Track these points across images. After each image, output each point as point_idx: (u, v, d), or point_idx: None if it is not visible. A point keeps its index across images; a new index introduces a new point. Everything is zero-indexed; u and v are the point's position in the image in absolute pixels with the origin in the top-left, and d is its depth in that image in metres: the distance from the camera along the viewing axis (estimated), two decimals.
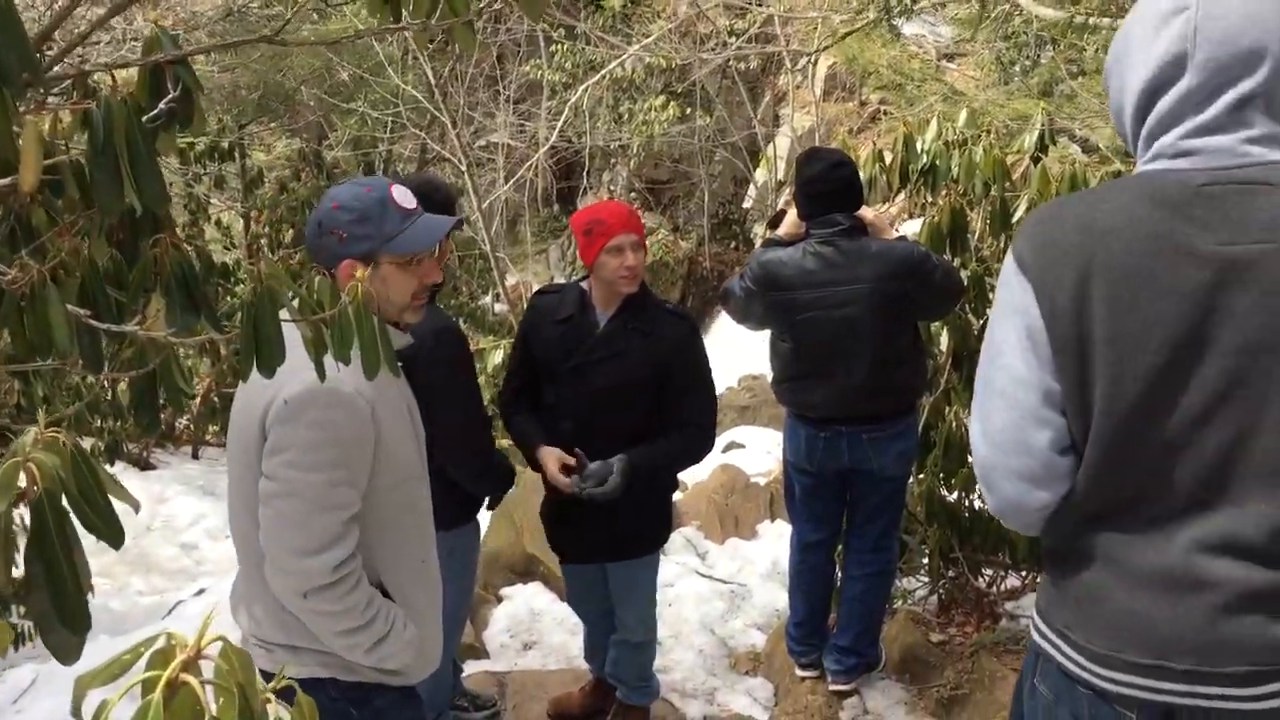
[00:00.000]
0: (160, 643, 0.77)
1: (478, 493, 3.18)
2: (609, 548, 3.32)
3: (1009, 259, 1.64)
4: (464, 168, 9.95)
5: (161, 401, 2.13)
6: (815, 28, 10.45)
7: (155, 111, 1.81)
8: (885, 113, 13.60)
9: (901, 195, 5.13)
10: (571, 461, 3.12)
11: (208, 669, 0.78)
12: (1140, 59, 1.57)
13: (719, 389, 11.28)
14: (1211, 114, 1.51)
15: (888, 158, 5.18)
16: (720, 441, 10.10)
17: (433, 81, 10.11)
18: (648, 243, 16.27)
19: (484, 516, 5.66)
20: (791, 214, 3.68)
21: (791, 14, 11.14)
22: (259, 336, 1.72)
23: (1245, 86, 1.49)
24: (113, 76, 1.83)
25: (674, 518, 5.58)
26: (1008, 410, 1.64)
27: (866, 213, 3.60)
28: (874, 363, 3.44)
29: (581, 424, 3.21)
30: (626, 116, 16.78)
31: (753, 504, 5.54)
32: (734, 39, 15.06)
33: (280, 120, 11.68)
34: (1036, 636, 1.75)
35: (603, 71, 15.06)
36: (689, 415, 3.24)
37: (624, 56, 15.37)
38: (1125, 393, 1.52)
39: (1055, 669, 1.70)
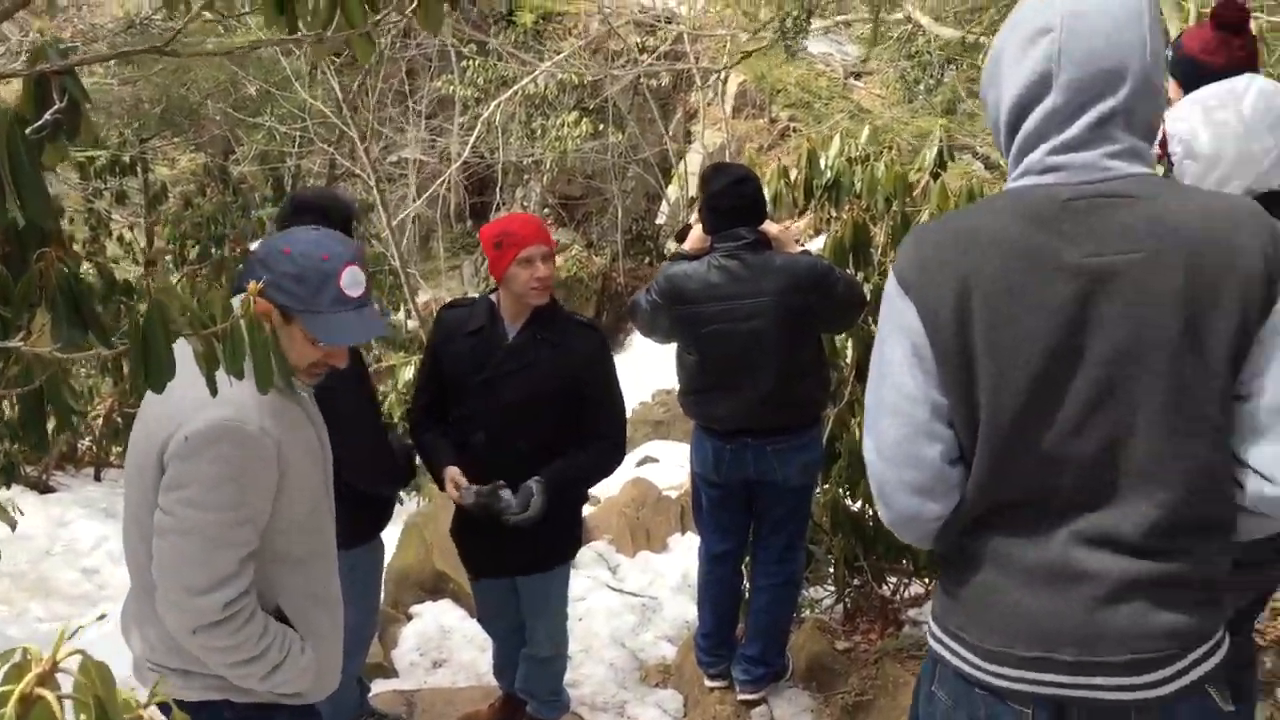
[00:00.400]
0: (16, 657, 0.76)
1: (390, 494, 3.20)
2: (521, 561, 3.32)
3: (891, 277, 1.68)
4: (373, 183, 9.83)
5: (51, 421, 2.09)
6: (724, 45, 10.57)
7: (40, 123, 1.78)
8: (794, 129, 13.78)
9: (808, 210, 5.22)
10: (463, 483, 3.13)
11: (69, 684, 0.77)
12: (1010, 77, 1.62)
13: (633, 404, 11.34)
14: (1075, 131, 1.56)
15: (793, 174, 5.26)
16: (634, 456, 10.10)
17: (340, 97, 10.00)
18: (561, 259, 16.20)
19: (393, 534, 5.63)
20: (697, 229, 3.72)
21: (700, 32, 11.25)
22: (149, 353, 1.70)
23: (1107, 105, 1.55)
24: None
25: (585, 532, 5.60)
26: (898, 426, 1.67)
27: (771, 227, 3.65)
28: (778, 375, 3.49)
29: (492, 437, 3.21)
30: (539, 132, 16.79)
31: (664, 517, 5.56)
32: (645, 56, 15.18)
33: (185, 134, 11.44)
34: (933, 642, 1.78)
35: (515, 88, 15.05)
36: (601, 429, 3.26)
37: (536, 73, 15.39)
38: (1006, 404, 1.57)
39: (952, 673, 1.73)
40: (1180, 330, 1.49)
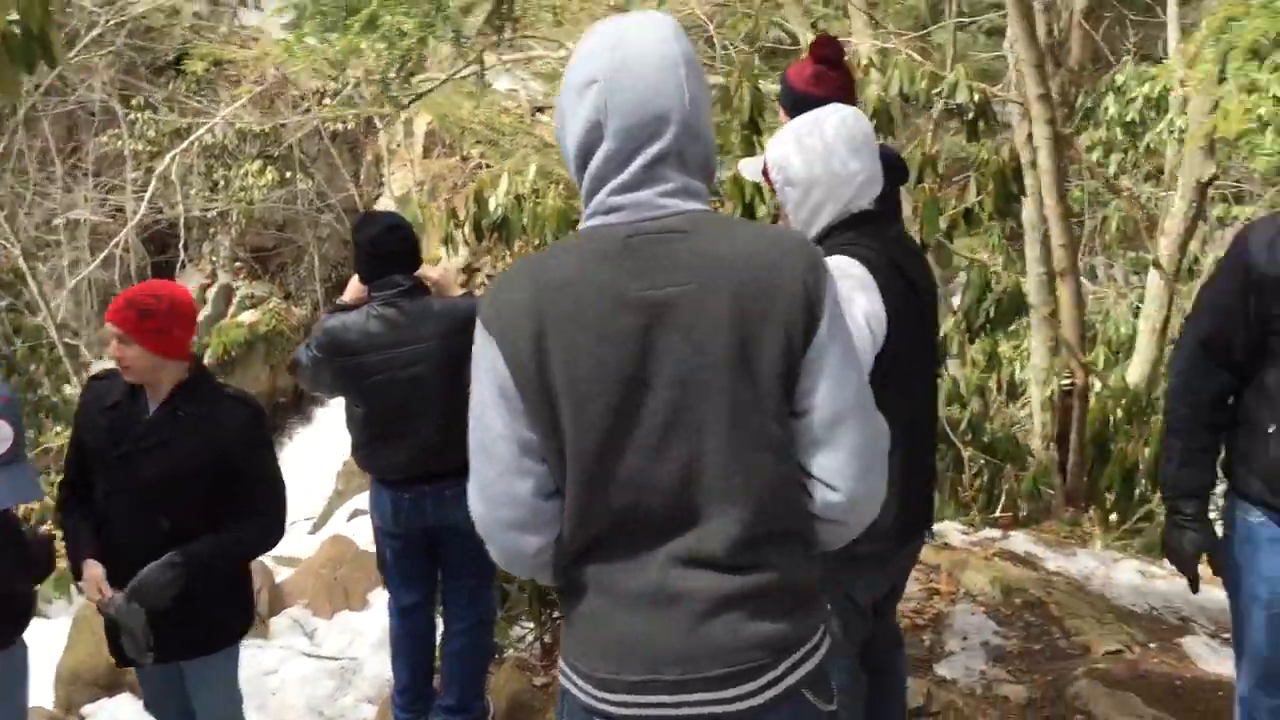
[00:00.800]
0: None
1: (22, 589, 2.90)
2: (179, 644, 3.11)
3: (477, 322, 1.70)
4: (18, 252, 9.10)
5: None
6: (407, 102, 10.49)
7: None
8: (486, 166, 13.85)
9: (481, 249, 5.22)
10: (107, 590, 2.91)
11: None
12: (571, 125, 1.68)
13: (345, 456, 10.98)
14: (630, 173, 1.63)
15: (462, 214, 5.27)
16: (345, 509, 9.81)
17: None
18: (258, 313, 15.40)
19: (62, 628, 5.18)
20: (354, 279, 3.65)
21: (371, 76, 11.09)
22: None
23: (655, 148, 1.62)
24: None
25: (279, 598, 5.36)
26: (491, 465, 1.69)
27: (432, 271, 3.62)
28: (443, 420, 3.45)
29: (133, 515, 3.00)
30: (223, 184, 16.13)
31: (363, 573, 5.39)
32: (327, 100, 14.85)
33: None
34: (560, 675, 1.80)
35: (190, 139, 14.38)
36: (258, 505, 3.10)
37: (212, 122, 14.77)
38: (588, 435, 1.61)
39: (577, 705, 1.75)
40: (732, 354, 1.57)
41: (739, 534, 1.60)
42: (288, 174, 15.96)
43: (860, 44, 4.92)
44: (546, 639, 4.30)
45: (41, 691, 4.59)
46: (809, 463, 1.64)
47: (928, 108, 4.63)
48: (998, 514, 5.06)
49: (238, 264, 16.92)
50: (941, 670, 3.67)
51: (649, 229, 1.61)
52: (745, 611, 1.61)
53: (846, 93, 2.94)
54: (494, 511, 1.70)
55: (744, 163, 2.68)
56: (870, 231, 2.42)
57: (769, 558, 1.62)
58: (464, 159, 14.97)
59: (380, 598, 5.29)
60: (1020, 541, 4.72)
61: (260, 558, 3.65)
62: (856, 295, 2.29)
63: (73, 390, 9.58)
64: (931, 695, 3.44)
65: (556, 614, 4.25)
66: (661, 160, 1.62)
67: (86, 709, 4.36)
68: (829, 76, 2.95)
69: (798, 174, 2.42)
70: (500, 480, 1.68)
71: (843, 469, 1.62)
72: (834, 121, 2.45)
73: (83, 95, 13.79)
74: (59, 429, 8.27)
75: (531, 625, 4.34)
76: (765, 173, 2.52)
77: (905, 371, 2.40)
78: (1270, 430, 2.43)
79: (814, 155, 2.40)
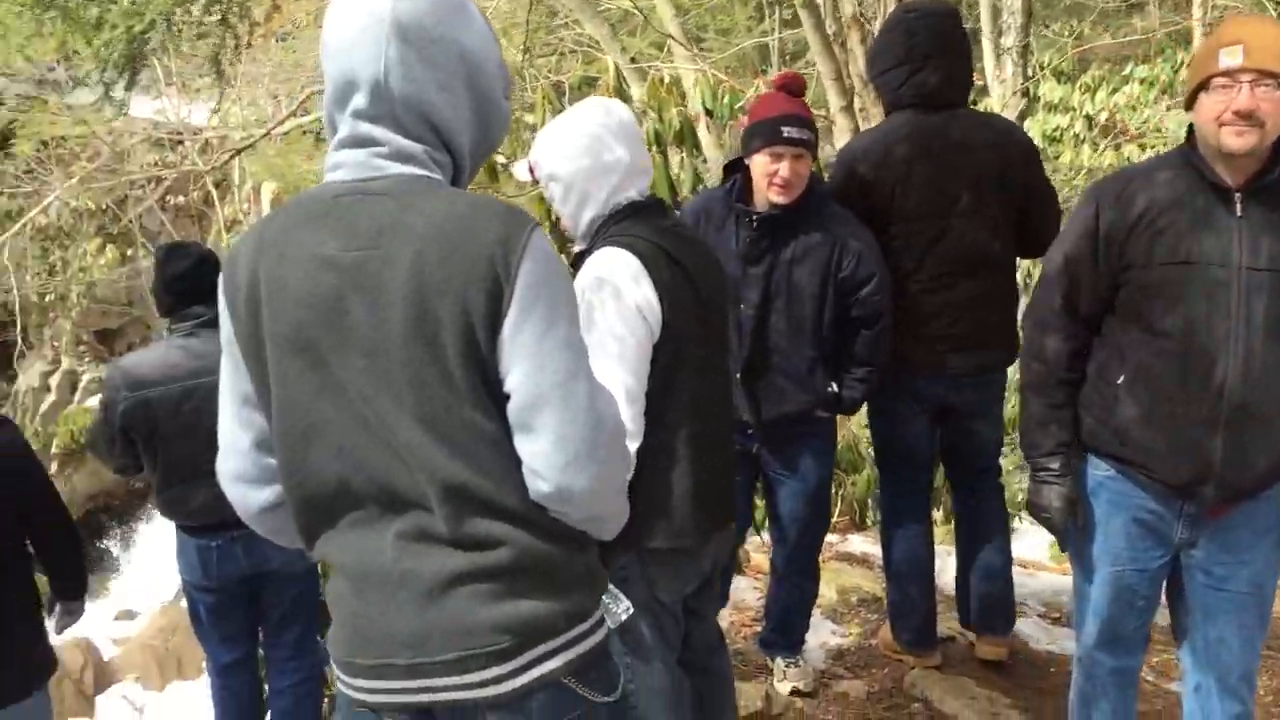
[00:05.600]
0: None
1: None
2: None
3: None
4: None
5: None
6: (226, 157, 10.27)
7: None
8: None
9: None
10: None
11: None
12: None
13: None
14: (344, 132, 1.61)
15: None
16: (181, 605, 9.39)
17: None
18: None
19: None
20: None
21: (200, 135, 10.88)
22: None
23: (349, 109, 1.59)
24: None
25: (108, 674, 5.08)
26: (222, 415, 1.73)
27: None
28: None
29: None
30: (60, 266, 15.55)
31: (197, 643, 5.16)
32: (168, 171, 14.46)
33: None
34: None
35: (22, 221, 13.85)
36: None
37: (45, 202, 14.25)
38: (289, 394, 1.58)
39: (342, 698, 1.70)
40: (411, 328, 1.51)
41: (454, 510, 1.54)
42: (129, 251, 15.47)
43: (666, 67, 4.99)
44: None
45: None
46: (518, 448, 1.56)
47: (733, 120, 4.71)
48: (834, 518, 5.10)
49: (81, 347, 16.28)
50: None
51: (358, 189, 1.57)
52: (481, 590, 1.55)
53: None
54: (224, 462, 1.74)
55: (515, 165, 2.65)
56: (642, 221, 2.40)
57: (499, 534, 1.55)
58: None
59: None
60: (857, 543, 4.76)
61: (88, 635, 3.49)
62: (627, 285, 2.27)
63: None
64: (771, 698, 3.42)
65: None
66: (362, 121, 1.58)
67: None
68: (795, 104, 3.08)
69: (559, 168, 2.40)
70: (226, 431, 1.72)
71: (547, 456, 1.54)
72: (597, 112, 2.44)
73: None
74: None
75: None
76: (531, 169, 2.49)
77: (689, 361, 2.38)
78: (1119, 382, 2.48)
79: (575, 147, 2.38)
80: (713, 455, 2.51)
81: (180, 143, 13.34)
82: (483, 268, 1.50)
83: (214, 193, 12.47)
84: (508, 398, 1.54)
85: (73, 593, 3.22)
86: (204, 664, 5.08)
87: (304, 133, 12.73)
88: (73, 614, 3.27)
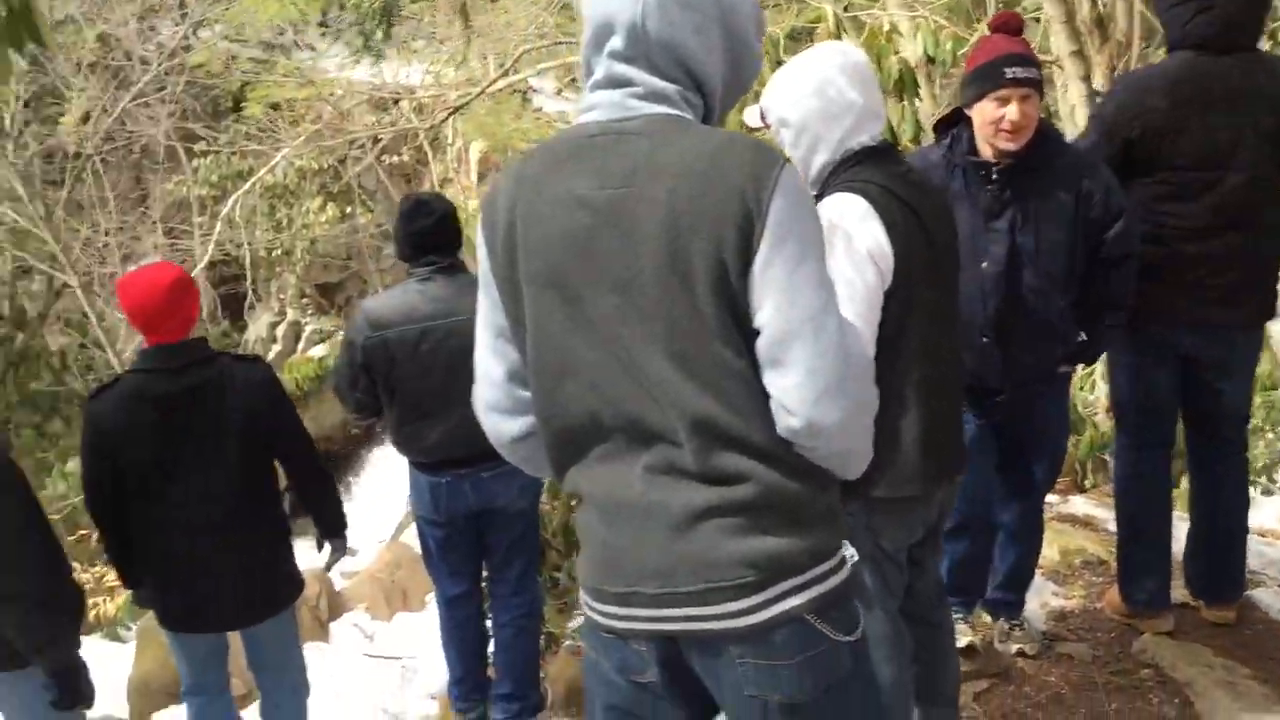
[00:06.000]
0: None
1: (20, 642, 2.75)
2: None
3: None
4: (76, 286, 9.35)
5: None
6: (444, 115, 10.63)
7: None
8: None
9: None
10: None
11: None
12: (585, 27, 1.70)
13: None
14: (601, 73, 1.64)
15: None
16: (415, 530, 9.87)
17: (34, 214, 9.46)
18: (326, 347, 15.56)
19: (131, 644, 5.29)
20: None
21: (415, 96, 11.28)
22: None
23: (606, 50, 1.63)
24: None
25: (341, 603, 5.41)
26: (477, 346, 1.79)
27: None
28: None
29: None
30: (285, 222, 16.43)
31: (421, 577, 5.39)
32: (382, 134, 15.06)
33: None
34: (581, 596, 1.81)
35: (252, 180, 14.68)
36: None
37: (273, 163, 15.06)
38: (542, 330, 1.63)
39: (590, 624, 1.77)
40: (665, 265, 1.53)
41: (701, 444, 1.56)
42: (348, 209, 16.22)
43: (885, 14, 4.85)
44: None
45: (116, 703, 4.69)
46: (767, 384, 1.57)
47: (954, 69, 4.56)
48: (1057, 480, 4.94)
49: (304, 300, 17.21)
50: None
51: (613, 129, 1.61)
52: (727, 525, 1.57)
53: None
54: (478, 391, 1.80)
55: (746, 111, 2.64)
56: (874, 166, 2.37)
57: (745, 470, 1.57)
58: None
59: None
60: (1079, 505, 4.59)
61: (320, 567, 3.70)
62: (858, 230, 2.24)
63: None
64: (989, 658, 3.35)
65: None
66: (618, 62, 1.62)
67: (156, 716, 4.44)
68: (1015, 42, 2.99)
69: (790, 112, 2.38)
70: (482, 362, 1.78)
71: (797, 391, 1.54)
72: (831, 54, 2.41)
73: (147, 139, 14.08)
74: None
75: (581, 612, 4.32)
76: (763, 116, 2.48)
77: (920, 306, 2.34)
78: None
79: (807, 89, 2.35)
80: (942, 402, 2.47)
81: (398, 103, 13.84)
82: (735, 204, 1.51)
83: (428, 150, 12.89)
84: (757, 334, 1.55)
85: (335, 530, 3.40)
86: (427, 598, 5.37)
87: (513, 92, 13.04)
88: (338, 550, 3.46)
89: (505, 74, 8.01)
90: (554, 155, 1.65)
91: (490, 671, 3.94)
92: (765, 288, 1.52)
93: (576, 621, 4.40)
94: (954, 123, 3.10)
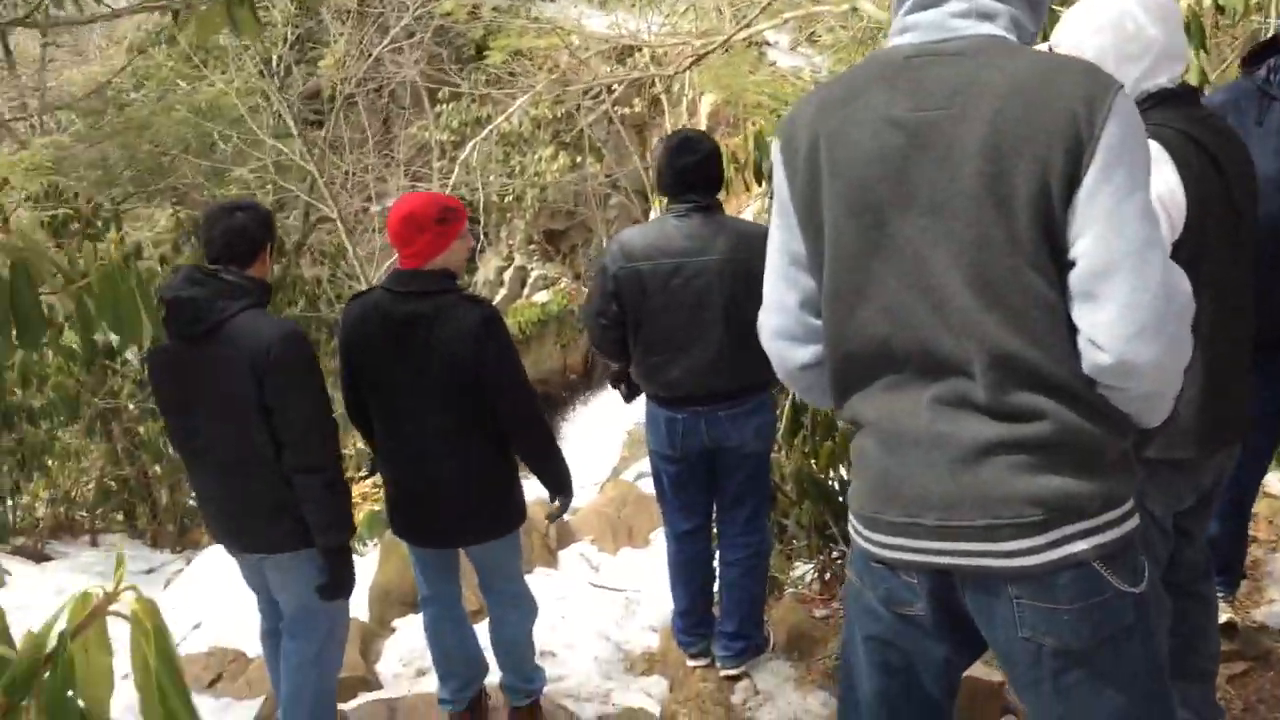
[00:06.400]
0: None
1: (318, 517, 3.00)
2: None
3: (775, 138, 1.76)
4: (341, 226, 9.93)
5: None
6: (686, 64, 10.68)
7: None
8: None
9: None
10: None
11: None
12: None
13: (628, 425, 11.31)
14: None
15: (741, 158, 5.29)
16: (630, 473, 10.13)
17: (304, 148, 10.10)
18: (550, 293, 16.01)
19: (374, 556, 5.61)
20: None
21: (658, 43, 11.35)
22: (18, 315, 1.70)
23: None
24: None
25: (568, 533, 5.57)
26: (769, 274, 1.79)
27: None
28: (726, 336, 3.44)
29: None
30: (518, 170, 16.92)
31: (646, 515, 5.54)
32: (615, 86, 15.29)
33: (159, 194, 11.44)
34: (849, 526, 1.80)
35: (490, 127, 15.17)
36: None
37: (510, 111, 15.51)
38: (842, 253, 1.62)
39: (858, 551, 1.76)
40: (983, 186, 1.49)
41: (997, 378, 1.52)
42: (578, 158, 16.55)
43: None
44: (826, 575, 4.26)
45: (358, 608, 4.99)
46: (1077, 318, 1.50)
47: (1244, 19, 4.24)
48: None
49: (531, 246, 17.70)
50: (1259, 616, 3.37)
51: (930, 49, 1.57)
52: (1015, 461, 1.53)
53: None
54: (768, 318, 1.80)
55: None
56: (1172, 109, 2.23)
57: (1040, 407, 1.52)
58: (746, 138, 14.99)
59: (661, 539, 5.41)
60: None
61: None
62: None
63: None
64: (1248, 641, 3.17)
65: (836, 551, 4.21)
66: None
67: (396, 623, 4.71)
68: None
69: (1083, 47, 2.26)
70: (774, 289, 1.78)
71: (1111, 326, 1.46)
72: None
73: (395, 84, 14.73)
74: None
75: (810, 563, 4.31)
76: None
77: (1211, 260, 2.21)
78: None
79: (1102, 21, 2.23)
80: (1226, 362, 2.33)
81: (634, 53, 13.98)
82: (1064, 125, 1.45)
83: (665, 100, 12.99)
84: (1071, 264, 1.49)
85: (556, 487, 3.43)
86: (651, 535, 5.47)
87: (749, 45, 12.95)
88: (561, 507, 3.50)
89: (750, 24, 7.95)
90: (862, 79, 1.63)
91: (715, 609, 3.99)
92: (1089, 216, 1.46)
93: (800, 570, 4.40)
94: (1266, 54, 2.89)
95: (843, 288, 1.63)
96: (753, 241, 3.42)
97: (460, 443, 3.20)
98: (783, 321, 1.77)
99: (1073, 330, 1.52)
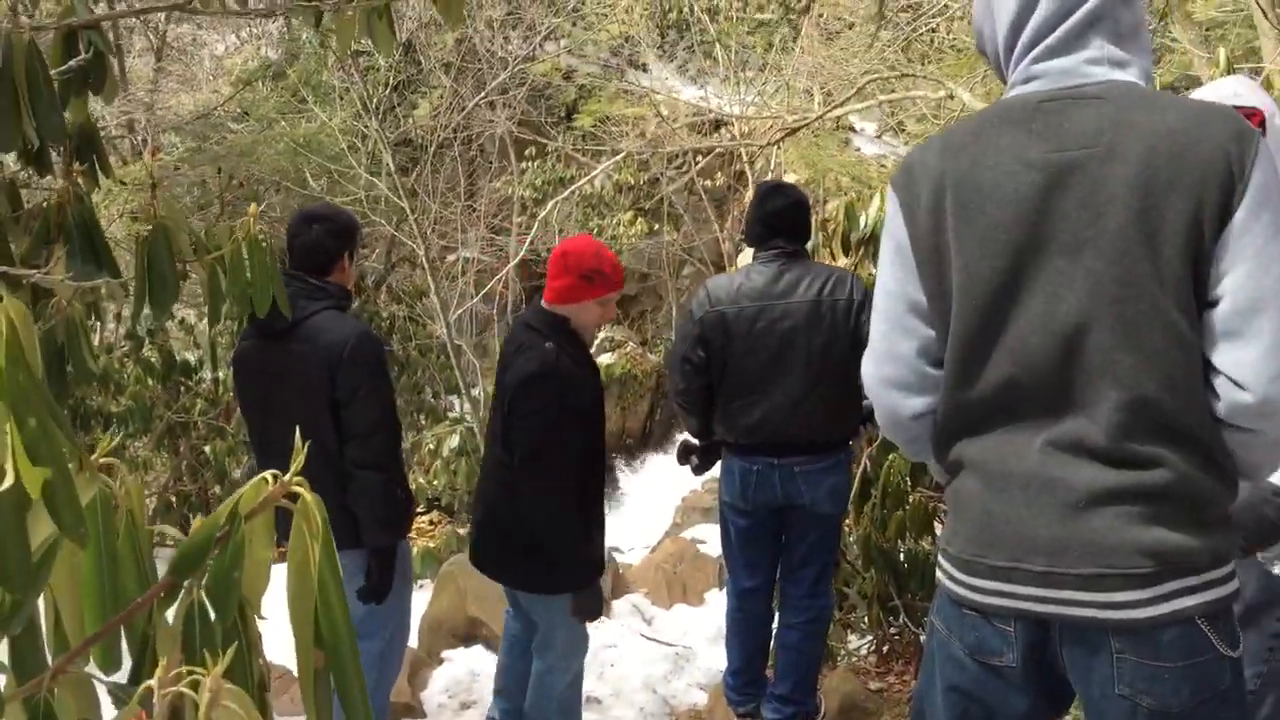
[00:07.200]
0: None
1: (372, 514, 3.04)
2: None
3: (888, 187, 1.75)
4: (426, 265, 10.10)
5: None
6: (776, 137, 10.82)
7: (65, 67, 1.89)
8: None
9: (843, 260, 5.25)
10: None
11: None
12: (1002, 5, 1.69)
13: (684, 492, 11.27)
14: (1057, 36, 1.63)
15: (830, 228, 5.32)
16: (685, 536, 10.10)
17: (398, 185, 10.34)
18: (615, 356, 16.13)
19: (428, 590, 5.61)
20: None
21: (747, 116, 11.49)
22: (152, 274, 1.76)
23: (1087, 7, 1.61)
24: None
25: (622, 584, 5.54)
26: (881, 323, 1.75)
27: None
28: (807, 382, 3.47)
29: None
30: (595, 231, 17.11)
31: (702, 574, 5.50)
32: (700, 158, 15.49)
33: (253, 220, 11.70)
34: (937, 570, 1.78)
35: (573, 187, 15.40)
36: None
37: (594, 174, 15.76)
38: (974, 298, 1.60)
39: (946, 598, 1.73)
40: (1132, 224, 1.49)
41: (1123, 421, 1.51)
42: (656, 225, 16.71)
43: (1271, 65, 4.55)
44: (884, 648, 4.19)
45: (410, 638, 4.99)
46: (1217, 356, 1.49)
47: None
48: None
49: None
50: None
51: (1065, 94, 1.59)
52: (1128, 510, 1.51)
53: None
54: (879, 368, 1.76)
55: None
56: None
57: (1160, 455, 1.50)
58: (824, 221, 15.07)
59: (717, 598, 5.37)
60: None
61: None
62: None
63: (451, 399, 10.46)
64: None
65: (894, 627, 4.15)
66: (1092, 24, 1.61)
67: (445, 654, 4.70)
68: None
69: None
70: (886, 338, 1.74)
71: (1256, 364, 1.45)
72: None
73: (484, 139, 15.04)
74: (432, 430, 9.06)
75: (868, 636, 4.25)
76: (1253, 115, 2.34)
77: None
78: None
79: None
80: None
81: (719, 127, 14.17)
82: (1218, 163, 1.46)
83: (748, 173, 13.11)
84: (1213, 304, 1.49)
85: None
86: (706, 595, 5.42)
87: (836, 128, 13.08)
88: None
89: (843, 103, 8.04)
90: (990, 124, 1.64)
91: (768, 671, 3.94)
92: (1238, 254, 1.46)
93: (857, 643, 4.33)
94: None
95: (974, 333, 1.61)
96: (838, 287, 3.45)
97: (505, 488, 3.14)
98: (896, 371, 1.74)
99: (1204, 374, 1.51)
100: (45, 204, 1.88)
